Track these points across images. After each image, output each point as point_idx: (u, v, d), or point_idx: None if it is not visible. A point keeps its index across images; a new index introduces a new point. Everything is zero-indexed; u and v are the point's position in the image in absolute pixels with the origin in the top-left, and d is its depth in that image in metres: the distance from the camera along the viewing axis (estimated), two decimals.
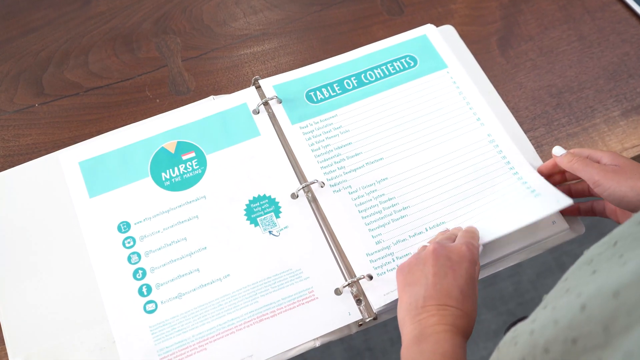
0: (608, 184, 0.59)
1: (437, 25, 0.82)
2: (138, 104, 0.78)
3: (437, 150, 0.72)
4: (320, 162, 0.71)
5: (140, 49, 0.83)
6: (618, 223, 0.65)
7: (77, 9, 0.86)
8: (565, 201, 0.64)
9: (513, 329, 0.37)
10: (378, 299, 0.63)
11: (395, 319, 0.66)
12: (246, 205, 0.68)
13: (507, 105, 0.77)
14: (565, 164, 0.64)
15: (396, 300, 0.61)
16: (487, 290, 1.45)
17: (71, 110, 0.77)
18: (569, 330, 0.32)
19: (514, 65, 0.81)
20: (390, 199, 0.69)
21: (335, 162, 0.71)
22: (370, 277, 0.64)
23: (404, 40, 0.80)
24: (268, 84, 0.76)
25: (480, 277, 0.67)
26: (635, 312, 0.28)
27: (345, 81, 0.77)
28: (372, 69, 0.78)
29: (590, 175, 0.61)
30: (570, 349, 0.31)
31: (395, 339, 1.33)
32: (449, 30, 0.82)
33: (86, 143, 0.72)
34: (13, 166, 0.71)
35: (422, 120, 0.74)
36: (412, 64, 0.78)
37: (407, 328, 0.52)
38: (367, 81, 0.77)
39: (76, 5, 0.86)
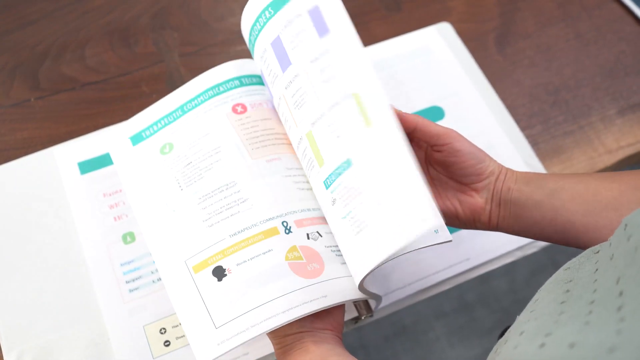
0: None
1: (435, 23, 0.82)
2: (135, 99, 0.78)
3: None
4: None
5: (137, 44, 0.82)
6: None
7: (74, 2, 0.85)
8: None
9: (494, 349, 0.37)
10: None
11: (390, 315, 0.67)
12: None
13: (503, 103, 0.77)
14: None
15: (389, 295, 0.61)
16: (482, 287, 1.46)
17: (67, 104, 0.77)
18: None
19: (511, 62, 0.81)
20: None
21: None
22: None
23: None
24: None
25: (473, 276, 0.67)
26: None
27: None
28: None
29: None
30: None
31: (389, 336, 1.33)
32: (446, 27, 0.82)
33: (84, 141, 0.72)
34: (8, 161, 0.71)
35: None
36: None
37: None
38: None
39: None
